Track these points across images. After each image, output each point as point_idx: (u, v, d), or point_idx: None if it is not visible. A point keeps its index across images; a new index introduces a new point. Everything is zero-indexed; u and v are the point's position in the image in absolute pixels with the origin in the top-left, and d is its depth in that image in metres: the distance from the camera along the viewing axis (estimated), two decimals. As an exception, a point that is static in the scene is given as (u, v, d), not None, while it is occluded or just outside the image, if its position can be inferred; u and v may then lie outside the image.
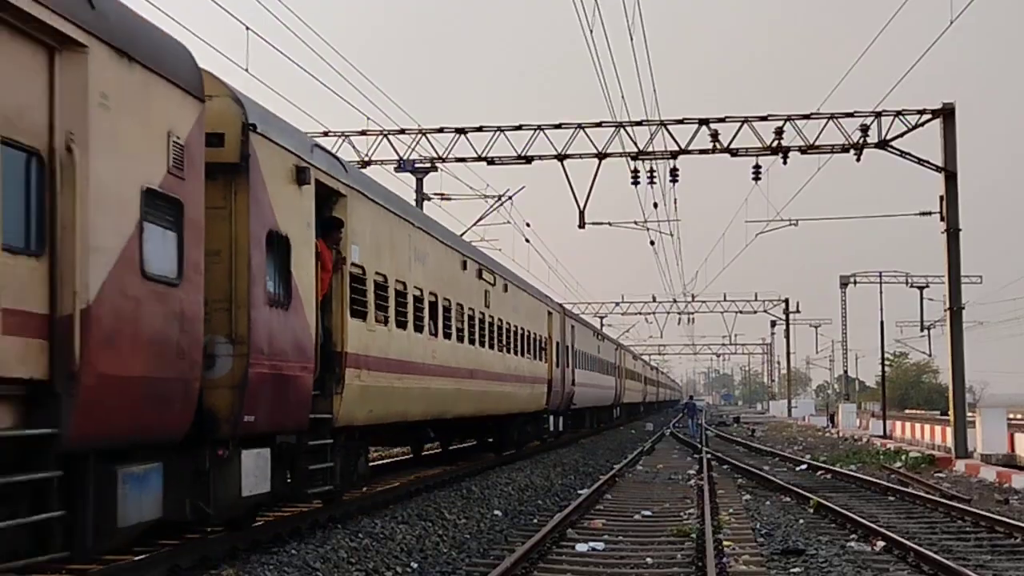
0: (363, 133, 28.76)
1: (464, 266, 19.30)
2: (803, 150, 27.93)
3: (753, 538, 14.10)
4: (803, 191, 36.84)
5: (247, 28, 19.33)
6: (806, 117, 27.77)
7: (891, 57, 31.85)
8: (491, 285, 21.56)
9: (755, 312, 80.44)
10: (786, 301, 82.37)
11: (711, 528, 14.00)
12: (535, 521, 15.69)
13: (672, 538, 14.08)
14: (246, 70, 19.68)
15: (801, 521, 16.09)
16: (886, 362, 57.92)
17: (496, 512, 16.33)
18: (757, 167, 28.58)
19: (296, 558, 10.70)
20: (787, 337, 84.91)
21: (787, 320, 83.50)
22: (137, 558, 9.59)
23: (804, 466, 28.37)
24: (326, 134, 28.22)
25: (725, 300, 78.06)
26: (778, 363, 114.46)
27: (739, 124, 27.93)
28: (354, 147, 28.78)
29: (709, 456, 30.08)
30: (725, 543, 13.24)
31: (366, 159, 28.81)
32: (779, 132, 27.72)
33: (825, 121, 27.57)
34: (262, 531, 11.54)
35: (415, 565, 11.46)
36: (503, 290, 22.93)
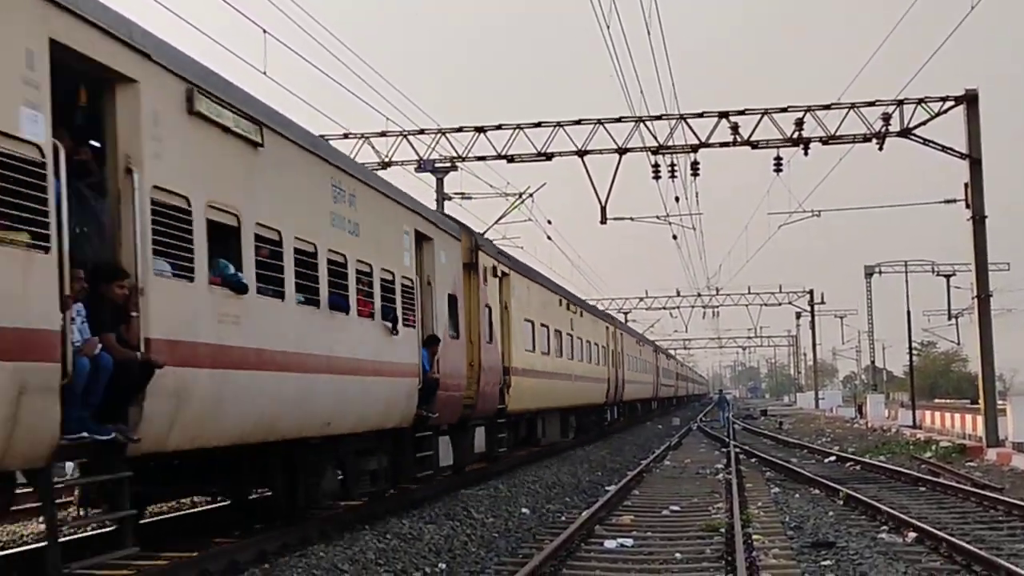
0: (383, 134, 28.80)
1: (560, 303, 28.27)
2: (824, 141, 27.76)
3: (783, 531, 14.02)
4: (825, 182, 36.68)
5: (264, 31, 19.38)
6: (826, 107, 27.60)
7: (912, 44, 31.57)
8: (575, 315, 30.49)
9: (780, 304, 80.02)
10: (811, 292, 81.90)
11: (740, 522, 13.94)
12: (563, 518, 15.66)
13: (701, 533, 14.01)
14: (264, 73, 19.72)
15: (831, 513, 15.98)
16: (914, 351, 57.49)
17: (524, 510, 16.31)
18: (778, 159, 28.44)
19: (324, 560, 10.72)
20: (812, 328, 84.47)
21: (812, 311, 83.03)
22: (166, 563, 9.64)
23: (832, 458, 28.19)
24: (346, 136, 28.29)
25: (749, 293, 77.72)
26: (804, 355, 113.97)
27: (759, 116, 27.79)
28: (374, 148, 28.85)
29: (737, 450, 29.95)
30: (754, 537, 13.18)
31: (386, 160, 28.85)
32: (799, 123, 27.55)
33: (846, 111, 27.39)
34: (291, 533, 11.58)
35: (443, 565, 11.45)
36: (579, 316, 31.49)
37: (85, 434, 7.53)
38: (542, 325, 24.79)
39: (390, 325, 13.44)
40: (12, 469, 7.27)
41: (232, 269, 9.50)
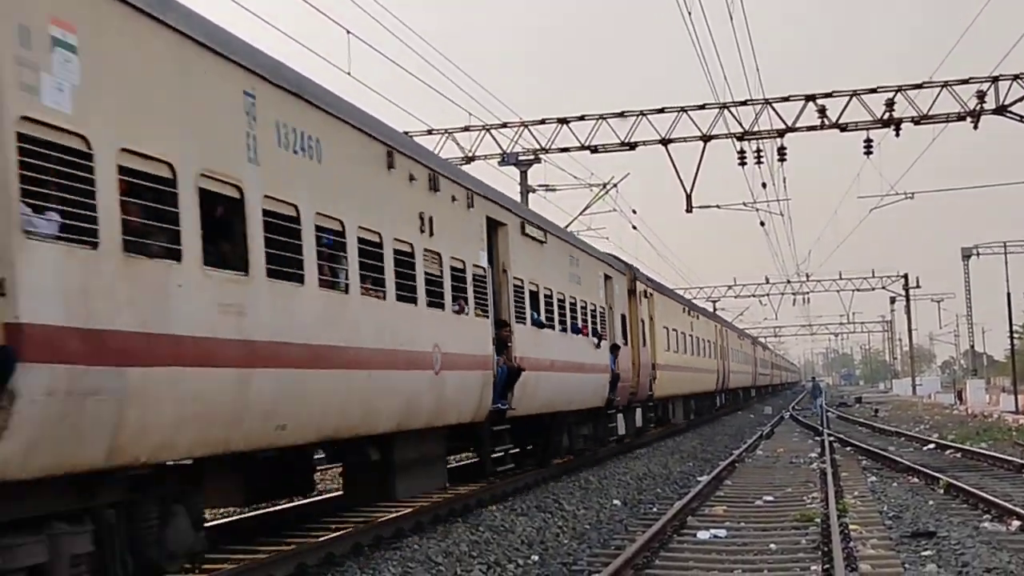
0: (466, 129, 28.95)
1: (683, 310, 35.12)
2: (916, 121, 27.11)
3: (880, 521, 13.75)
4: (918, 163, 35.70)
5: (348, 32, 19.64)
6: (918, 87, 26.96)
7: (1006, 18, 30.63)
8: (694, 318, 37.15)
9: (873, 289, 78.50)
10: (905, 276, 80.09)
11: (836, 512, 13.71)
12: (655, 510, 15.59)
13: (796, 523, 13.81)
14: (348, 73, 19.99)
15: (931, 502, 15.62)
16: (1016, 335, 55.79)
17: (615, 502, 16.28)
18: (868, 141, 27.85)
19: (419, 552, 10.84)
20: (908, 313, 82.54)
21: (907, 296, 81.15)
22: (264, 556, 9.84)
23: (932, 445, 27.55)
24: (430, 132, 28.51)
25: (841, 278, 76.42)
26: (900, 340, 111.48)
27: (848, 98, 27.25)
28: (457, 143, 29.03)
29: (831, 438, 29.46)
30: (851, 527, 12.95)
31: (470, 155, 29.00)
32: (890, 104, 26.96)
33: (939, 89, 26.71)
34: (384, 527, 11.73)
35: (536, 557, 11.49)
36: (696, 319, 37.78)
37: (497, 405, 14.28)
38: (673, 329, 31.36)
39: (596, 340, 20.31)
40: (479, 421, 13.97)
41: (536, 315, 16.64)
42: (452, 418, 12.90)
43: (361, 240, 10.20)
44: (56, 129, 6.26)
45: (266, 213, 8.43)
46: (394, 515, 12.46)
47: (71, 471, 6.51)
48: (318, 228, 9.35)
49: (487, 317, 14.07)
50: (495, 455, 15.11)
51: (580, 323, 19.25)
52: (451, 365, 12.37)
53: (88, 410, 6.41)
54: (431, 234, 12.02)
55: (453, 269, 12.75)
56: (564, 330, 18.09)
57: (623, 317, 23.59)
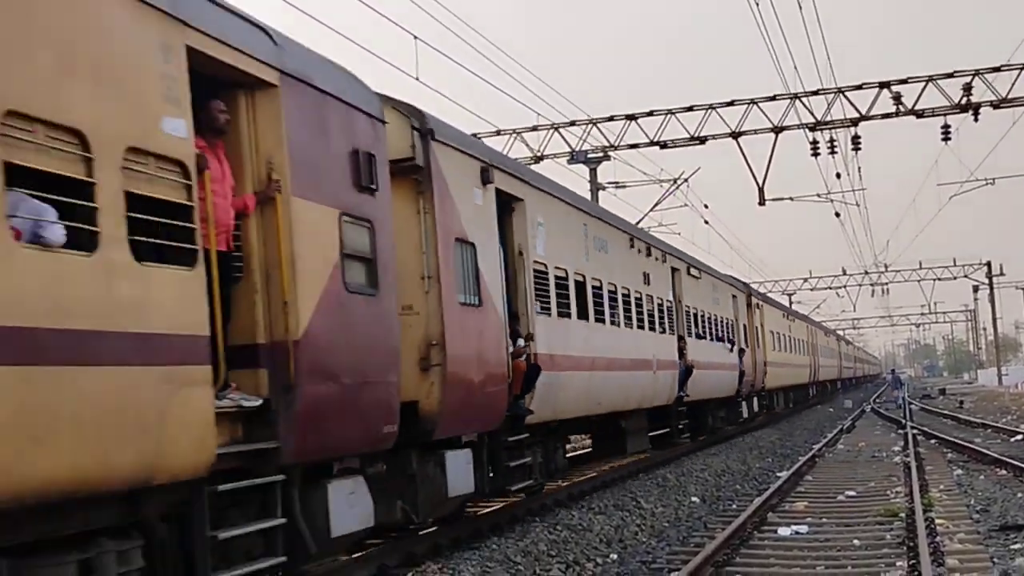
0: (534, 128, 28.96)
1: (783, 315, 41.81)
2: (996, 105, 26.43)
3: (967, 515, 13.44)
4: (999, 147, 34.74)
5: (415, 38, 19.78)
6: (996, 70, 26.27)
7: (1087, -5, 29.72)
8: (791, 321, 43.95)
9: (954, 278, 76.61)
10: (988, 264, 78.13)
11: (921, 506, 13.43)
12: (734, 506, 15.42)
13: (880, 518, 13.56)
14: (416, 79, 20.14)
15: (1020, 495, 15.19)
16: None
17: (693, 499, 16.16)
18: (946, 127, 27.21)
19: (497, 552, 10.88)
20: (991, 301, 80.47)
21: (991, 284, 79.14)
22: (344, 559, 9.95)
23: (1020, 436, 26.83)
24: (498, 132, 28.58)
25: (921, 268, 74.76)
26: (984, 330, 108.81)
27: (923, 83, 26.67)
28: (526, 143, 29.05)
29: (914, 431, 28.87)
30: (937, 521, 12.67)
31: (539, 154, 29.00)
32: (968, 88, 26.31)
33: (1017, 72, 26.00)
34: (463, 527, 11.80)
35: (615, 556, 11.44)
36: (793, 321, 44.62)
37: (680, 393, 17.26)
38: (777, 333, 37.82)
39: (730, 346, 27.30)
40: (670, 404, 20.05)
41: (699, 330, 24.11)
42: (659, 401, 19.78)
43: (623, 294, 17.40)
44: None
45: (593, 287, 15.60)
46: (484, 511, 12.52)
47: None
48: (609, 292, 16.51)
49: (674, 334, 21.22)
50: (679, 428, 22.57)
51: (720, 333, 26.40)
52: (660, 367, 19.45)
53: None
54: (648, 284, 19.32)
55: (658, 305, 20.00)
56: (712, 339, 25.17)
57: (744, 326, 30.87)
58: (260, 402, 7.14)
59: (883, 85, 26.92)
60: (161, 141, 6.11)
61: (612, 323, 16.54)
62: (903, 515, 13.30)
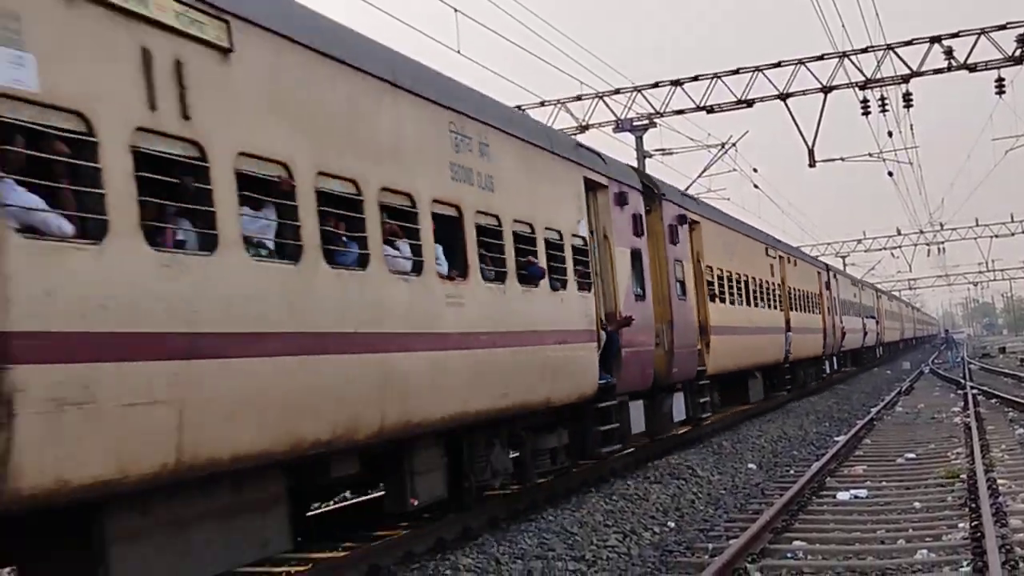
0: (578, 98, 28.75)
1: (852, 283, 48.10)
2: (1051, 55, 25.72)
3: (1031, 475, 13.23)
4: (1056, 99, 33.90)
5: (455, 10, 19.69)
6: (1051, 18, 25.52)
7: None
8: (859, 288, 50.32)
9: (1012, 235, 74.90)
10: (1047, 219, 76.43)
11: (983, 467, 13.24)
12: (791, 472, 15.31)
13: (940, 480, 13.40)
14: (458, 52, 20.06)
15: (1084, 453, 14.95)
16: None
17: (750, 466, 16.07)
18: (1000, 80, 26.56)
19: (554, 523, 10.92)
20: (1052, 257, 78.88)
21: (1050, 239, 77.58)
22: (403, 532, 10.02)
23: (1083, 394, 26.34)
24: (543, 103, 28.41)
25: (978, 225, 73.22)
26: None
27: (975, 37, 26.02)
28: (571, 113, 28.83)
29: (974, 391, 28.45)
30: (999, 482, 12.47)
31: (584, 124, 28.81)
32: (1021, 40, 25.64)
33: (1074, 20, 25.26)
34: (518, 499, 11.85)
35: (672, 524, 11.42)
36: (860, 289, 50.42)
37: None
38: (846, 301, 42.78)
39: (816, 314, 32.47)
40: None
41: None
42: (775, 359, 26.72)
43: (754, 284, 23.49)
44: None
45: (736, 279, 22.03)
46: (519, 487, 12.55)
47: None
48: (743, 281, 22.45)
49: (782, 310, 27.44)
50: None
51: (809, 306, 32.51)
52: (774, 332, 26.01)
53: None
54: (772, 275, 26.49)
55: (776, 288, 26.71)
56: (804, 311, 31.25)
57: (825, 297, 35.57)
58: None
59: (934, 40, 26.31)
60: (578, 230, 12.70)
61: (749, 304, 23.23)
62: (964, 476, 13.13)
